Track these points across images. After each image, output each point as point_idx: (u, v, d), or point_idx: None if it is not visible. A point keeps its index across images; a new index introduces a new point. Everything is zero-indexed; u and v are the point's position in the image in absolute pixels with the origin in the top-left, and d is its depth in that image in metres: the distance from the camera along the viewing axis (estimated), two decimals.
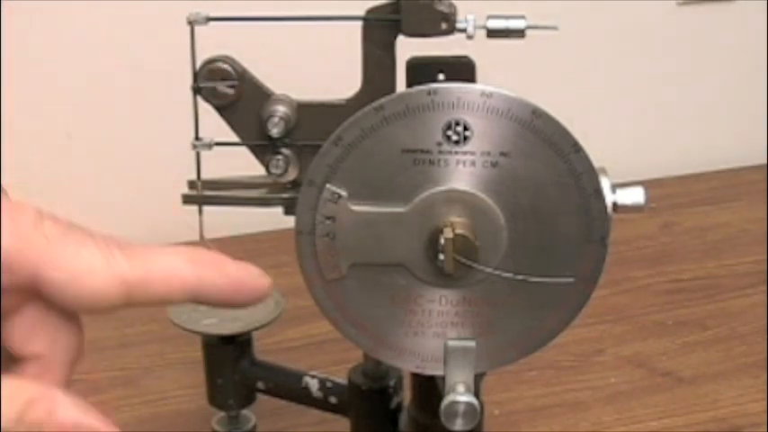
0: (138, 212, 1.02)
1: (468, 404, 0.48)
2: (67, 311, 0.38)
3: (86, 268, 0.37)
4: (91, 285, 0.37)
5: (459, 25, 0.48)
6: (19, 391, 0.36)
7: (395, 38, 0.49)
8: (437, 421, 0.49)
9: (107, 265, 0.37)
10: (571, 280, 0.48)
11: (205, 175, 0.52)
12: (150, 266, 0.38)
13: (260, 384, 0.65)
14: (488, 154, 0.46)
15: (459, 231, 0.46)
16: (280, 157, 0.50)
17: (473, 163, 0.46)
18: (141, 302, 0.38)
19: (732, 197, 1.11)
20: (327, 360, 0.76)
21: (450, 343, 0.49)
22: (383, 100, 0.46)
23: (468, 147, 0.46)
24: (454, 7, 0.48)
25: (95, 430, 0.36)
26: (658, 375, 0.80)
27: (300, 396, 0.64)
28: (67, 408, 0.36)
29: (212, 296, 0.39)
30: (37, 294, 0.37)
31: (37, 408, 0.35)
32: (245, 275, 0.40)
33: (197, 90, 0.50)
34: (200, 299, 0.39)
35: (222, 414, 0.67)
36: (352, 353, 0.57)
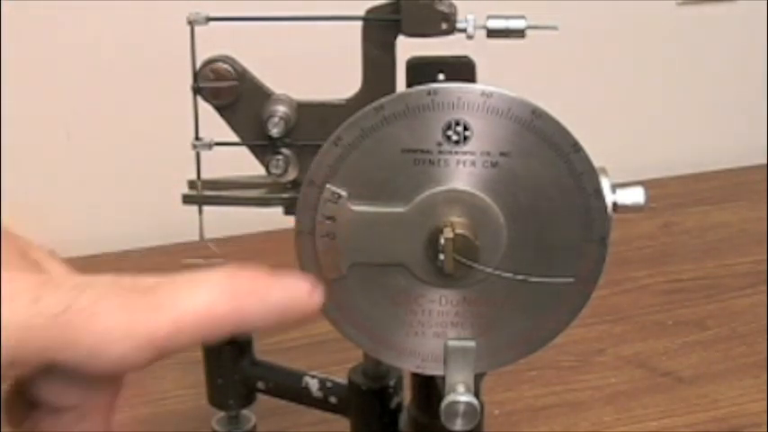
0: (138, 212, 1.02)
1: (468, 404, 0.48)
2: None
3: (106, 339, 0.32)
4: (115, 355, 0.32)
5: (459, 25, 0.48)
6: None
7: (395, 38, 0.49)
8: (437, 421, 0.49)
9: (129, 327, 0.32)
10: (571, 280, 0.48)
11: (205, 175, 0.52)
12: (180, 312, 0.33)
13: (260, 384, 0.65)
14: (488, 154, 0.46)
15: (459, 231, 0.46)
16: (280, 157, 0.50)
17: (473, 163, 0.46)
18: (178, 350, 0.33)
19: (732, 197, 1.11)
20: (327, 360, 0.76)
21: (450, 343, 0.49)
22: (383, 100, 0.46)
23: (468, 147, 0.46)
24: (454, 7, 0.48)
25: None
26: (658, 375, 0.80)
27: (300, 396, 0.64)
28: None
29: (256, 328, 0.35)
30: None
31: None
32: (291, 299, 0.35)
33: (197, 90, 0.50)
34: (243, 330, 0.35)
35: (222, 414, 0.67)
36: (352, 353, 0.57)
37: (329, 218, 0.47)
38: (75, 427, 0.35)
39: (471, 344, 0.49)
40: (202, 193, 0.52)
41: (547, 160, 0.46)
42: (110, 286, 0.33)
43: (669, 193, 1.10)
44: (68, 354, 0.32)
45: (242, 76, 0.50)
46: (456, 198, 0.46)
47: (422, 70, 0.49)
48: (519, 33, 0.48)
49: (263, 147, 0.50)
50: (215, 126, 0.51)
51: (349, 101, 0.50)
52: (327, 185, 0.47)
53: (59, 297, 0.32)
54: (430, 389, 0.54)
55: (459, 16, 0.48)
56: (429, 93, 0.45)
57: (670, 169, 1.14)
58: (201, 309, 0.33)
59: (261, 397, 0.66)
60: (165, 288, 0.34)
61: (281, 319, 0.35)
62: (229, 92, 0.50)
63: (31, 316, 0.31)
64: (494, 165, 0.46)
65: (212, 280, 0.34)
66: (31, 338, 0.31)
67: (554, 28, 0.48)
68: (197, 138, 0.51)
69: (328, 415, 0.64)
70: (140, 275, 0.35)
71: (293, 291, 0.35)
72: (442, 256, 0.46)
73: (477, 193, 0.46)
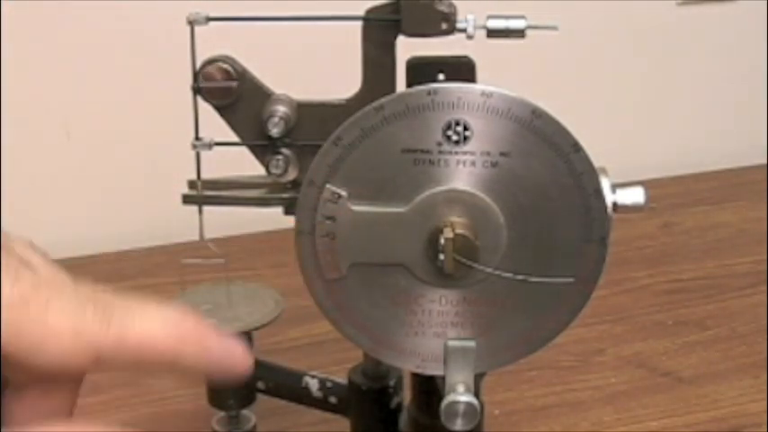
0: (138, 212, 1.02)
1: (468, 404, 0.48)
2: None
3: (51, 334, 0.34)
4: (56, 352, 0.34)
5: (459, 25, 0.48)
6: None
7: (395, 38, 0.49)
8: (437, 421, 0.49)
9: (75, 330, 0.34)
10: (571, 280, 0.48)
11: (205, 175, 0.52)
12: (126, 331, 0.35)
13: (260, 384, 0.65)
14: (488, 154, 0.46)
15: (459, 231, 0.46)
16: (280, 157, 0.50)
17: (473, 163, 0.46)
18: (114, 368, 0.36)
19: (732, 197, 1.11)
20: (327, 360, 0.76)
21: (450, 343, 0.49)
22: (383, 100, 0.46)
23: (468, 147, 0.46)
24: (454, 7, 0.48)
25: None
26: (658, 375, 0.80)
27: (300, 396, 0.64)
28: None
29: (188, 370, 0.37)
30: None
31: None
32: (226, 355, 0.37)
33: (197, 90, 0.50)
34: (174, 370, 0.37)
35: (222, 414, 0.67)
36: (352, 353, 0.57)
37: (329, 218, 0.47)
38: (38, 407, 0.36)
39: (471, 344, 0.49)
40: (202, 193, 0.52)
41: (547, 160, 0.46)
42: (69, 290, 0.35)
43: (669, 193, 1.09)
44: (15, 343, 0.34)
45: (242, 76, 0.50)
46: (456, 198, 0.46)
47: (422, 70, 0.49)
48: (519, 33, 0.48)
49: (263, 147, 0.50)
50: (215, 126, 0.51)
51: (349, 101, 0.50)
52: (327, 185, 0.47)
53: (20, 286, 0.34)
54: (430, 389, 0.54)
55: (460, 16, 0.48)
56: (429, 93, 0.45)
57: (670, 169, 1.14)
58: (146, 334, 0.35)
59: (261, 397, 0.66)
60: (119, 306, 0.36)
61: (211, 368, 0.37)
62: (229, 92, 0.50)
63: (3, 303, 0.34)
64: (494, 165, 0.46)
65: (162, 313, 0.36)
66: None
67: (554, 28, 0.48)
68: (197, 138, 0.51)
69: (328, 415, 0.64)
70: (101, 288, 0.36)
71: (229, 347, 0.38)
72: (441, 256, 0.46)
73: (477, 193, 0.46)
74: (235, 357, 0.38)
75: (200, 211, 0.52)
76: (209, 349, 0.37)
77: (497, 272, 0.47)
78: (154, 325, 0.36)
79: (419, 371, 0.50)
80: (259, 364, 0.65)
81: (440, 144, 0.46)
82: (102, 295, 0.36)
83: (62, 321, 0.34)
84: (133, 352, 0.35)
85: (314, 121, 0.50)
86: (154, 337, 0.36)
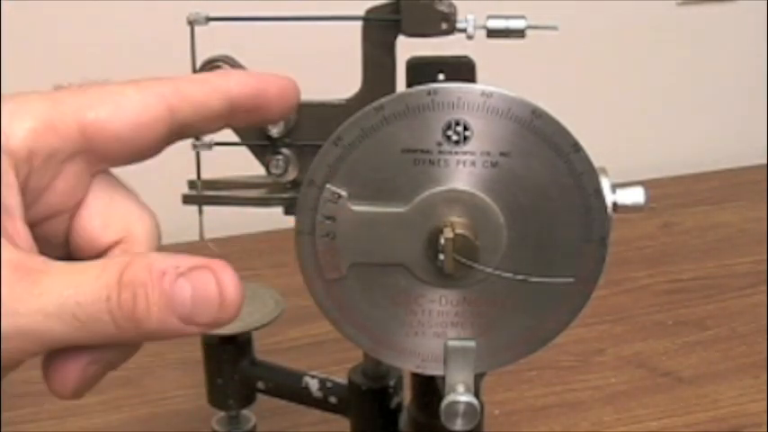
0: None
1: (468, 404, 0.48)
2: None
3: (120, 98, 0.37)
4: (131, 110, 0.37)
5: (459, 25, 0.48)
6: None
7: (395, 38, 0.49)
8: (437, 421, 0.49)
9: (139, 89, 0.37)
10: (571, 280, 0.48)
11: (205, 175, 0.52)
12: (184, 82, 0.38)
13: (260, 384, 0.65)
14: (488, 154, 0.46)
15: (459, 231, 0.46)
16: (280, 157, 0.50)
17: (473, 163, 0.46)
18: (186, 121, 0.38)
19: (732, 197, 1.11)
20: (327, 360, 0.76)
21: (451, 343, 0.49)
22: (383, 100, 0.46)
23: (468, 147, 0.46)
24: (454, 7, 0.48)
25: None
26: (658, 375, 0.80)
27: (300, 396, 0.64)
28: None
29: (246, 103, 0.40)
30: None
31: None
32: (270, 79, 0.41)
33: None
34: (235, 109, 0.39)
35: (222, 414, 0.67)
36: (352, 353, 0.57)
37: (329, 218, 0.47)
38: None
39: (471, 344, 0.49)
40: (202, 193, 0.52)
41: (547, 160, 0.46)
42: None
43: (669, 193, 1.10)
44: (92, 115, 0.36)
45: None
46: (456, 198, 0.46)
47: (422, 70, 0.49)
48: (519, 33, 0.48)
49: (263, 147, 0.50)
50: None
51: (349, 101, 0.50)
52: (327, 185, 0.47)
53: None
54: (430, 389, 0.54)
55: (460, 16, 0.48)
56: (429, 93, 0.45)
57: (670, 169, 1.14)
58: (202, 77, 0.40)
59: (261, 397, 0.66)
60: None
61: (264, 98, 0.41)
62: None
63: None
64: (494, 165, 0.46)
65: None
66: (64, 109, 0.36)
67: (554, 28, 0.48)
68: (197, 138, 0.51)
69: (328, 415, 0.64)
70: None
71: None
72: (441, 256, 0.46)
73: (477, 193, 0.46)
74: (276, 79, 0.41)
75: (201, 211, 0.52)
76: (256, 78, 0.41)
77: (497, 272, 0.47)
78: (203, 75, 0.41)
79: (419, 371, 0.50)
80: (259, 364, 0.65)
81: (440, 144, 0.46)
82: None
83: (127, 88, 0.37)
84: (200, 93, 0.38)
85: (314, 121, 0.50)
86: (208, 77, 0.40)
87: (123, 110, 0.37)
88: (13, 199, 0.35)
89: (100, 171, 0.40)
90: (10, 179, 0.35)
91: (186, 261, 0.35)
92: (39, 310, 0.33)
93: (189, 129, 0.40)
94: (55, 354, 0.35)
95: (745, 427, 0.74)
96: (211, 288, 0.35)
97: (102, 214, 0.39)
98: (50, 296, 0.33)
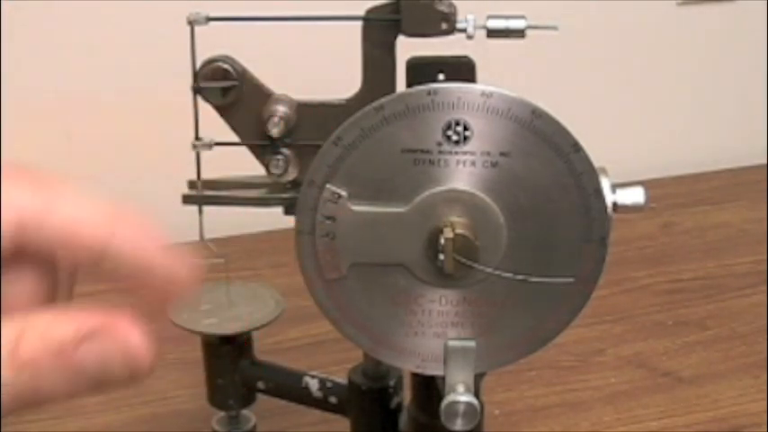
0: (137, 212, 1.02)
1: (468, 404, 0.48)
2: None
3: None
4: None
5: (459, 25, 0.48)
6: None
7: (395, 38, 0.49)
8: (437, 421, 0.49)
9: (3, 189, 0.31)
10: (571, 280, 0.48)
11: (205, 175, 0.52)
12: (54, 207, 0.32)
13: (260, 384, 0.65)
14: (488, 154, 0.46)
15: (459, 231, 0.46)
16: (280, 157, 0.50)
17: (473, 163, 0.46)
18: (36, 243, 0.32)
19: (732, 197, 1.11)
20: (327, 360, 0.76)
21: (451, 343, 0.49)
22: (383, 100, 0.46)
23: (468, 147, 0.46)
24: (454, 7, 0.48)
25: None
26: (658, 375, 0.80)
27: (300, 396, 0.64)
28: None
29: (118, 264, 0.34)
30: None
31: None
32: (161, 259, 0.34)
33: (197, 90, 0.50)
34: (102, 264, 0.34)
35: (222, 414, 0.67)
36: (352, 353, 0.57)
37: (329, 218, 0.47)
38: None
39: (471, 344, 0.49)
40: (202, 193, 0.52)
41: (547, 160, 0.46)
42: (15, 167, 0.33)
43: (669, 193, 1.09)
44: None
45: (242, 76, 0.50)
46: (456, 198, 0.46)
47: (422, 70, 0.49)
48: (519, 33, 0.48)
49: (263, 147, 0.50)
50: (215, 126, 0.51)
51: (349, 101, 0.50)
52: (327, 185, 0.47)
53: None
54: (430, 389, 0.54)
55: (460, 16, 0.48)
56: (429, 93, 0.45)
57: (670, 169, 1.14)
58: (79, 212, 0.33)
59: (261, 397, 0.66)
60: (60, 185, 0.33)
61: (141, 271, 0.34)
62: (229, 92, 0.50)
63: None
64: (494, 165, 0.46)
65: (96, 202, 0.34)
66: None
67: (554, 28, 0.48)
68: (197, 138, 0.51)
69: (328, 415, 0.64)
70: None
71: (174, 259, 0.35)
72: (441, 256, 0.46)
73: (477, 193, 0.46)
74: (175, 269, 0.34)
75: (201, 211, 0.52)
76: (146, 249, 0.34)
77: (497, 272, 0.47)
78: (83, 211, 0.33)
79: (419, 371, 0.50)
80: (259, 364, 0.65)
81: (440, 144, 0.46)
82: (41, 173, 0.33)
83: None
84: (60, 226, 0.32)
85: (314, 121, 0.50)
86: (89, 217, 0.33)
87: None
88: None
89: None
90: None
91: (86, 320, 0.32)
92: None
93: None
94: None
95: (745, 427, 0.74)
96: (117, 349, 0.32)
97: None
98: None
